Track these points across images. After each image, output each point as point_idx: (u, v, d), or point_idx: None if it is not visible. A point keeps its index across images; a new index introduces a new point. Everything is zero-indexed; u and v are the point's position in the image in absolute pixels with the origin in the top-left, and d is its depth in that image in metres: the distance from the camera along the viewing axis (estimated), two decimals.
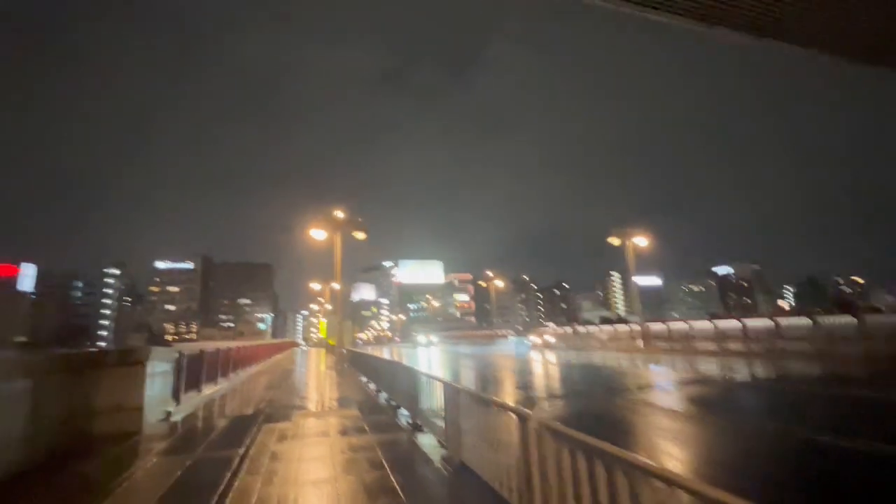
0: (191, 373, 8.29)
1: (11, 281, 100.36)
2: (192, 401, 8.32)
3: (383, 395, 8.54)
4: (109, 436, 5.34)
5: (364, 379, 11.76)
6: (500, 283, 43.05)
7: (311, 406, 7.86)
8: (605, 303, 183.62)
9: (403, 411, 6.46)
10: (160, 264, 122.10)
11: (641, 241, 22.43)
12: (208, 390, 9.67)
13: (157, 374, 6.25)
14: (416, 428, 5.58)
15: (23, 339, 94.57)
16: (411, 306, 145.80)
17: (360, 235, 18.11)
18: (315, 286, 35.49)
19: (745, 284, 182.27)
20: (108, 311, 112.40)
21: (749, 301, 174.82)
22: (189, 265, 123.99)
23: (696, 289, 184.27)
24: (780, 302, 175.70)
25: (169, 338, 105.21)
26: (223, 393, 10.04)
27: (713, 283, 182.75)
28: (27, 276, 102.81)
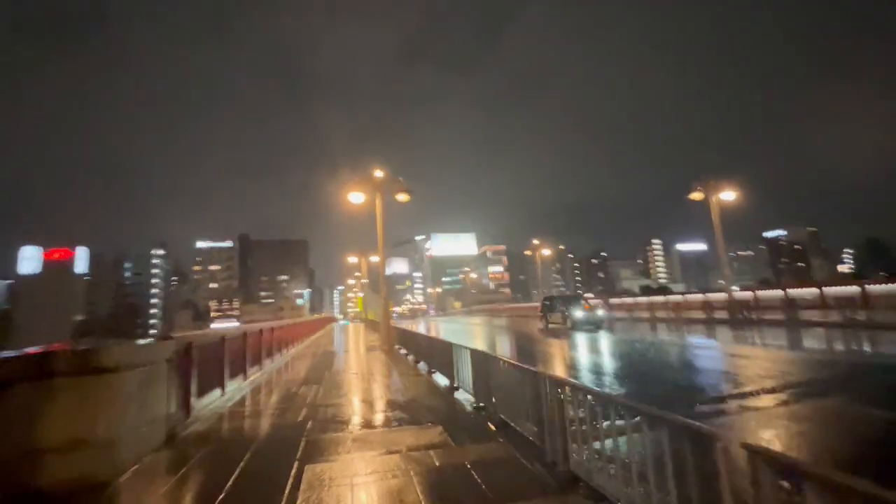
0: (208, 368, 6.23)
1: (68, 263, 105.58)
2: (211, 405, 6.27)
3: (464, 397, 6.25)
4: (62, 491, 3.27)
5: (424, 366, 9.55)
6: (546, 252, 40.01)
7: (371, 415, 5.63)
8: (645, 271, 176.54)
9: (503, 418, 4.15)
10: (201, 244, 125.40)
11: (729, 195, 18.94)
12: (234, 386, 7.67)
13: (142, 383, 4.10)
14: (569, 481, 3.20)
15: (81, 317, 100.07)
16: (445, 279, 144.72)
17: (403, 197, 15.69)
18: (352, 259, 33.82)
19: (799, 248, 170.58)
20: (156, 291, 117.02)
21: (803, 266, 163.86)
22: (228, 244, 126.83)
23: (743, 254, 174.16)
24: (840, 267, 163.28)
25: (213, 314, 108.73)
26: (255, 387, 8.07)
27: (763, 247, 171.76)
28: (81, 259, 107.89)
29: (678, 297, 25.85)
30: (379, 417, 5.43)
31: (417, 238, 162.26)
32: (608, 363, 9.96)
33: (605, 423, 2.84)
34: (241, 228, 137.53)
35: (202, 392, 5.97)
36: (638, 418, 2.53)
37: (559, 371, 9.00)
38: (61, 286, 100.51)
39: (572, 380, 3.39)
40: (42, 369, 3.38)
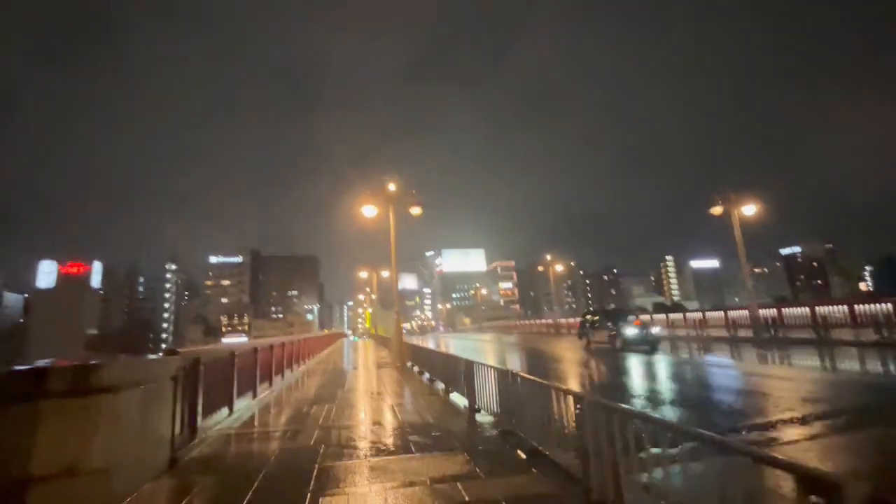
0: (216, 385, 5.90)
1: (83, 278, 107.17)
2: (219, 426, 5.91)
3: (487, 420, 5.81)
4: None
5: (440, 385, 9.11)
6: (559, 268, 39.37)
7: (388, 439, 5.23)
8: (658, 288, 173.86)
9: (535, 446, 3.71)
10: (213, 259, 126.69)
11: (750, 209, 18.39)
12: (244, 404, 7.32)
13: (144, 403, 3.78)
14: None
15: (94, 331, 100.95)
16: (455, 295, 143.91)
17: (416, 210, 15.47)
18: (363, 275, 33.61)
19: (816, 265, 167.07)
20: (167, 305, 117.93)
21: (821, 283, 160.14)
22: (239, 259, 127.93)
23: (758, 271, 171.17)
24: (861, 284, 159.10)
25: (223, 329, 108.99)
26: (265, 405, 7.70)
27: (779, 264, 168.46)
28: (96, 274, 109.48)
29: (715, 314, 24.72)
30: (397, 442, 5.02)
31: (427, 254, 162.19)
32: (664, 387, 8.87)
33: (659, 455, 2.43)
34: (253, 244, 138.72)
35: (209, 411, 5.63)
36: (694, 445, 2.12)
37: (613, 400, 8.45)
38: (76, 300, 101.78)
39: (625, 406, 2.99)
40: (33, 388, 3.08)
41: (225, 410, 6.32)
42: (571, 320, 35.59)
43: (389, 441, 5.06)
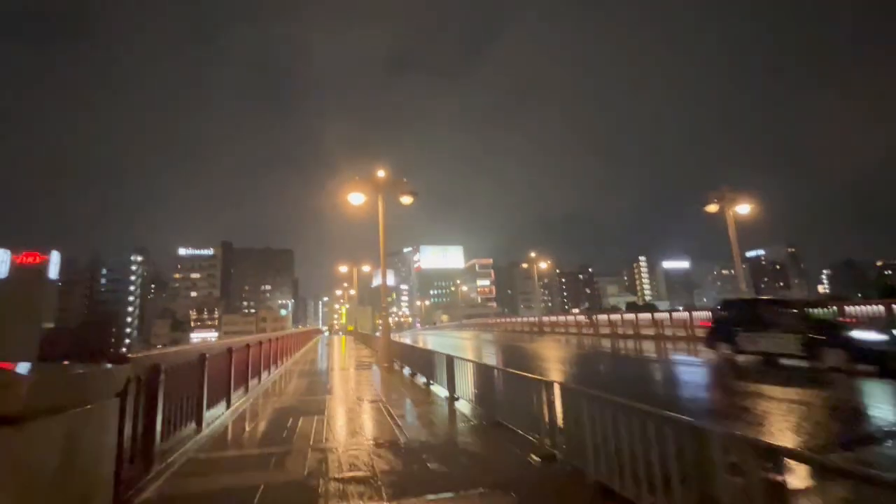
0: (181, 397, 4.73)
1: (39, 268, 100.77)
2: (183, 448, 4.75)
3: (511, 436, 4.85)
4: None
5: (441, 391, 8.12)
6: (543, 265, 38.89)
7: (401, 466, 4.19)
8: (631, 288, 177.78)
9: (608, 486, 2.74)
10: (182, 251, 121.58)
11: (744, 207, 18.14)
12: (216, 415, 6.14)
13: (72, 435, 2.64)
14: None
15: (50, 325, 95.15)
16: (433, 292, 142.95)
17: (407, 199, 14.40)
18: (342, 269, 32.14)
19: (778, 267, 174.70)
20: (133, 298, 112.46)
21: (782, 285, 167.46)
22: (210, 252, 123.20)
23: (726, 272, 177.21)
24: (819, 287, 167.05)
25: (193, 324, 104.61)
26: (240, 416, 6.53)
27: (744, 266, 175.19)
28: (54, 264, 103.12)
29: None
30: (415, 471, 4.00)
31: (405, 250, 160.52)
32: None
33: None
34: (226, 237, 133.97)
35: (171, 430, 4.46)
36: None
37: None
38: (31, 292, 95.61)
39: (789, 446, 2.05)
40: None
41: (192, 426, 5.15)
42: (553, 318, 35.17)
43: (404, 469, 4.03)
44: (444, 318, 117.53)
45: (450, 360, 7.48)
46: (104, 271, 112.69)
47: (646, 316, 24.03)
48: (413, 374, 10.81)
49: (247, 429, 5.89)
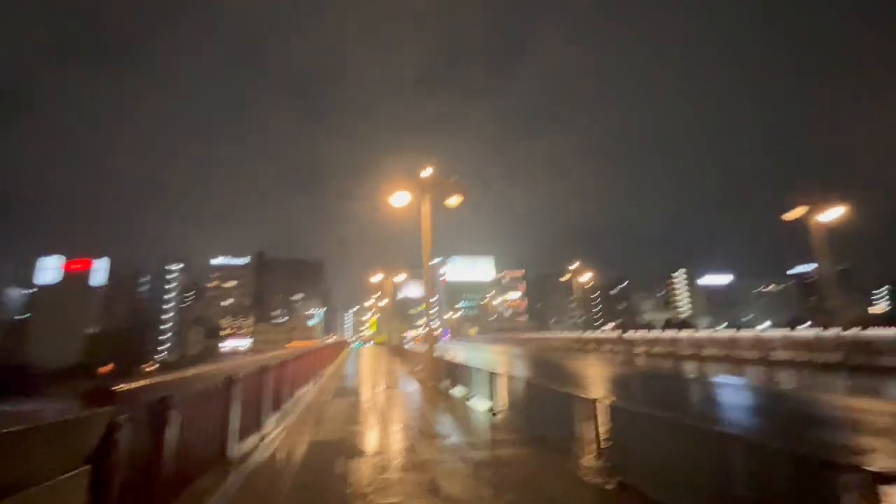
0: (194, 439, 3.45)
1: (85, 275, 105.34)
2: (201, 503, 3.43)
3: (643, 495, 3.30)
4: None
5: (506, 421, 6.56)
6: (586, 277, 36.37)
7: None
8: (667, 304, 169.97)
9: None
10: (217, 260, 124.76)
11: (834, 212, 15.85)
12: (246, 447, 4.82)
13: None
14: None
15: (94, 330, 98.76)
16: (461, 304, 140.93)
17: (454, 201, 13.07)
18: (376, 277, 31.14)
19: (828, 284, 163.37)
20: (170, 305, 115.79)
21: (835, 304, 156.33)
22: (243, 261, 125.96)
23: (772, 289, 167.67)
24: (872, 308, 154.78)
25: (225, 332, 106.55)
26: (272, 452, 5.21)
27: (790, 283, 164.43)
28: (100, 271, 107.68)
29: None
30: None
31: (433, 261, 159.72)
32: None
33: None
34: (259, 246, 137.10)
35: (180, 484, 3.17)
36: None
37: None
38: (78, 297, 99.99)
39: None
40: None
41: (210, 478, 3.84)
42: (598, 334, 32.82)
43: None
44: (473, 331, 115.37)
45: (529, 387, 5.93)
46: (145, 279, 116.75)
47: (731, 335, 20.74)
48: (468, 397, 9.32)
49: (285, 475, 4.54)
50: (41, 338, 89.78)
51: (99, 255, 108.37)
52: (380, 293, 40.82)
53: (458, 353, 34.91)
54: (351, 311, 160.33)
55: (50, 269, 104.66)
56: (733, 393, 11.54)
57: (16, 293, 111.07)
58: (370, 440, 5.90)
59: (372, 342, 72.83)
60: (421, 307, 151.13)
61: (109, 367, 74.77)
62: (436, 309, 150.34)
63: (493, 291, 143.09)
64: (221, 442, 4.16)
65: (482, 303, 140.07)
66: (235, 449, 4.43)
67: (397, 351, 29.29)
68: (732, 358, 18.61)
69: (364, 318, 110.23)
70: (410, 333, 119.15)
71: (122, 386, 2.40)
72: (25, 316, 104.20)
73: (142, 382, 2.79)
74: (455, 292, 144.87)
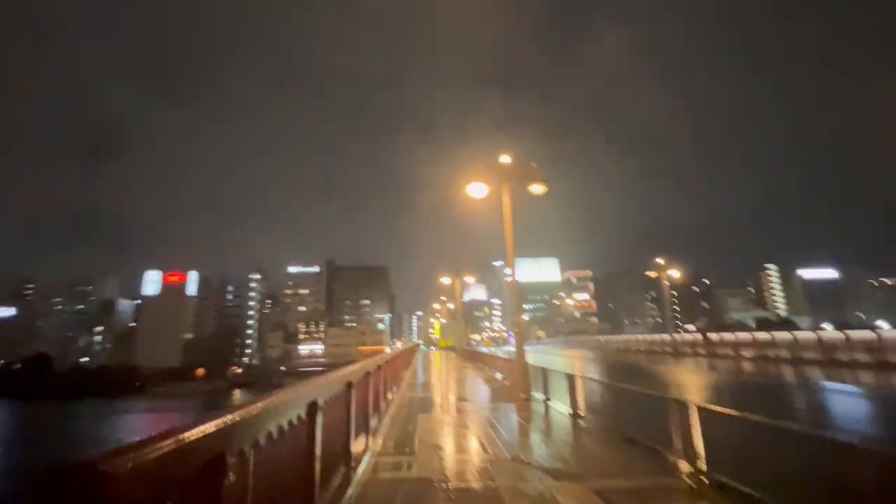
0: (274, 488, 2.43)
1: (181, 286, 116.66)
2: None
3: None
4: None
5: (648, 456, 5.04)
6: (675, 274, 32.70)
7: None
8: (758, 301, 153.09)
9: None
10: (292, 269, 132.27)
11: None
12: (328, 497, 3.82)
13: None
14: None
15: (189, 336, 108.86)
16: (527, 306, 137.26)
17: (539, 189, 11.70)
18: (444, 280, 30.36)
19: None
20: (252, 313, 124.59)
21: None
22: (315, 269, 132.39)
23: (890, 283, 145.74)
24: None
25: (301, 336, 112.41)
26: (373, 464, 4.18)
27: None
28: (193, 282, 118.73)
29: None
30: None
31: (496, 264, 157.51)
32: None
33: None
34: (329, 254, 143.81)
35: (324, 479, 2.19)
36: None
37: None
38: (176, 307, 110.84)
39: None
40: None
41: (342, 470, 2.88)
42: (688, 336, 29.26)
43: None
44: (541, 333, 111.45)
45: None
46: (230, 289, 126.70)
47: None
48: (575, 416, 7.85)
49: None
50: (146, 343, 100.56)
51: (188, 269, 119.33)
52: (444, 298, 40.09)
53: (543, 359, 32.99)
54: (415, 314, 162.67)
55: (153, 282, 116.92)
56: None
57: (127, 304, 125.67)
58: (497, 479, 4.71)
59: (435, 347, 72.54)
60: (485, 310, 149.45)
61: (202, 370, 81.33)
62: (498, 312, 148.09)
63: (560, 292, 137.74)
64: (345, 442, 3.37)
65: (548, 304, 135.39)
66: (353, 446, 3.64)
67: (469, 355, 28.17)
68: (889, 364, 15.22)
69: (430, 321, 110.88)
70: (476, 337, 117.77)
71: None
72: (133, 324, 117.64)
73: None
74: (521, 293, 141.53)
